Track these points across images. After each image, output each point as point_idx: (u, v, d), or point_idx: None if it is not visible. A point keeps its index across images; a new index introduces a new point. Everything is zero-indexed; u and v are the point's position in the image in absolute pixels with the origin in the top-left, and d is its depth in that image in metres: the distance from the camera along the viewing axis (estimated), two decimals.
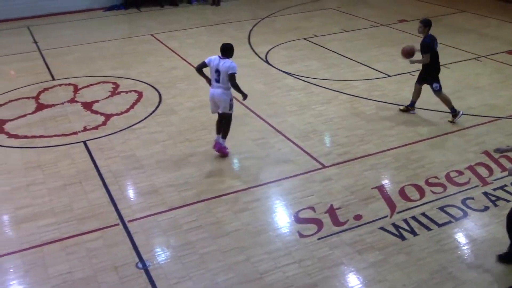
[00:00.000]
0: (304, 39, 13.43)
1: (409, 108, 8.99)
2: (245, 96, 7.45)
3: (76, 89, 10.62)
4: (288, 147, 8.04)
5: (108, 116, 9.26)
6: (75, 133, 8.68)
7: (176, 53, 12.78)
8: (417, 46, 8.53)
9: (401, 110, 9.06)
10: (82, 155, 7.95)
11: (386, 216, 6.34)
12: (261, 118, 9.00)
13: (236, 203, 6.65)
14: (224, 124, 7.63)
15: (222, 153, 7.76)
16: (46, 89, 10.68)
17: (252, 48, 12.93)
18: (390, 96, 9.76)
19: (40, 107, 9.79)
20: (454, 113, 8.62)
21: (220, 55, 7.27)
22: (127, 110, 9.49)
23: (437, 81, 8.48)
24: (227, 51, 7.25)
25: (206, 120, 8.96)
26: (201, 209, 6.54)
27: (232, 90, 7.38)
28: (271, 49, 12.77)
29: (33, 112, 9.55)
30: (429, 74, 8.51)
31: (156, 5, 17.89)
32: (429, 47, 8.26)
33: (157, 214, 6.48)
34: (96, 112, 9.47)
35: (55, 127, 8.88)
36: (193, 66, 11.67)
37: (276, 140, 8.29)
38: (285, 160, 7.68)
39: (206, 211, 6.51)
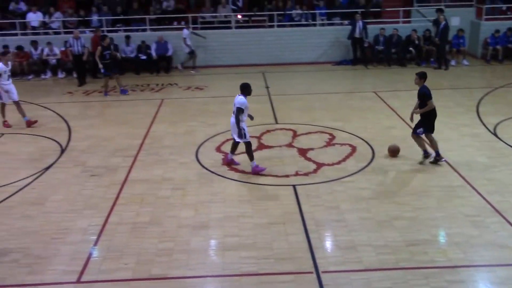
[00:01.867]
0: None
1: (437, 159, 9.37)
2: (251, 118, 9.34)
3: (295, 134, 11.22)
4: (506, 231, 7.21)
5: (320, 165, 9.53)
6: (287, 176, 9.11)
7: (396, 112, 12.64)
8: None
9: (430, 162, 9.41)
10: (290, 198, 8.29)
11: None
12: (479, 194, 8.28)
13: (437, 280, 6.14)
14: (246, 151, 9.21)
15: (257, 172, 9.14)
16: (268, 131, 11.52)
17: (479, 118, 12.10)
18: None
19: (261, 147, 10.57)
20: (426, 154, 9.41)
21: (239, 93, 9.05)
22: (339, 162, 9.65)
23: (423, 127, 9.25)
24: (242, 89, 9.05)
25: (417, 185, 8.61)
26: (397, 277, 6.21)
27: (248, 121, 9.20)
28: (502, 121, 11.76)
29: (254, 151, 10.32)
30: (422, 121, 9.26)
31: (384, 63, 18.09)
32: (428, 94, 9.02)
33: (352, 271, 6.36)
34: (309, 159, 9.83)
35: (270, 168, 9.44)
36: (411, 128, 11.41)
37: (493, 220, 7.51)
38: (501, 245, 6.88)
39: (402, 280, 6.15)
